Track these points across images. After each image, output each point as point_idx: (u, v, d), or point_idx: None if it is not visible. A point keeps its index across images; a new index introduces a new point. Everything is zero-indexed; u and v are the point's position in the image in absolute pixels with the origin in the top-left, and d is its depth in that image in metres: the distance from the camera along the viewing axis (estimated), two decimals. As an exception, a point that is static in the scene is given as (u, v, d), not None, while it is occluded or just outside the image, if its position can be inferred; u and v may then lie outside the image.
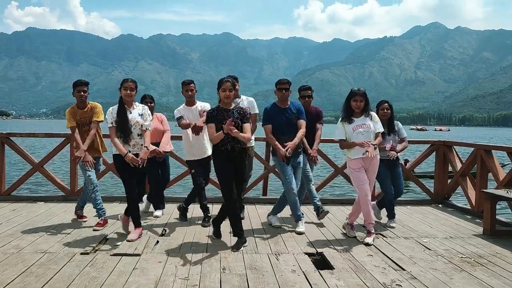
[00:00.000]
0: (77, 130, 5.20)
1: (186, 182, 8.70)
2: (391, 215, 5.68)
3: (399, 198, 5.96)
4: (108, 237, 4.81)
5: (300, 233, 5.12)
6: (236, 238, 4.63)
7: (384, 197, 5.71)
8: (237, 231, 4.60)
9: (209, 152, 5.45)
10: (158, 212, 5.92)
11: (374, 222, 5.01)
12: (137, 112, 4.83)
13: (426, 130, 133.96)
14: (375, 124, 4.86)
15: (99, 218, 5.26)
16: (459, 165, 6.82)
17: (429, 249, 4.65)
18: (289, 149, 4.95)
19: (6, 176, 6.89)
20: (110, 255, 4.18)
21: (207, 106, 5.51)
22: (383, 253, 4.48)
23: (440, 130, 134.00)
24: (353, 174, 4.88)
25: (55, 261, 3.94)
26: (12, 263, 3.87)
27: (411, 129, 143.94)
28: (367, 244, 4.72)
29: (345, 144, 4.85)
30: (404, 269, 3.97)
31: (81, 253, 4.19)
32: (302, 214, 5.36)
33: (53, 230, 5.07)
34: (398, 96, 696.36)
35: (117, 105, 4.77)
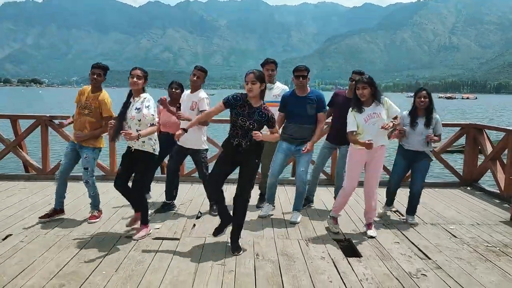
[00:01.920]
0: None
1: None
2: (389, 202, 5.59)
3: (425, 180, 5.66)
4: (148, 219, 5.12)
5: (262, 217, 5.31)
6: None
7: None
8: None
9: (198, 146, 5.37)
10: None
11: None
12: (135, 106, 4.41)
13: (455, 98, 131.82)
14: (388, 109, 4.58)
15: (96, 210, 5.18)
16: (489, 149, 6.82)
17: (455, 236, 4.79)
18: (307, 149, 5.05)
19: (50, 157, 7.34)
20: (152, 238, 4.50)
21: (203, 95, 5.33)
22: (409, 240, 4.64)
23: (468, 98, 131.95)
24: (350, 163, 4.73)
25: (103, 245, 4.28)
26: (64, 246, 4.23)
27: (439, 97, 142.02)
28: (370, 237, 4.69)
29: (353, 139, 4.59)
30: (429, 258, 4.14)
31: (125, 237, 4.53)
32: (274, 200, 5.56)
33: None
34: (431, 62, 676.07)
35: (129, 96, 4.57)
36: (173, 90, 5.65)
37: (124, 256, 4.01)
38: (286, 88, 5.69)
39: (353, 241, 4.58)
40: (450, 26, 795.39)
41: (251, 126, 4.08)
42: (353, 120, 4.58)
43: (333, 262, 3.99)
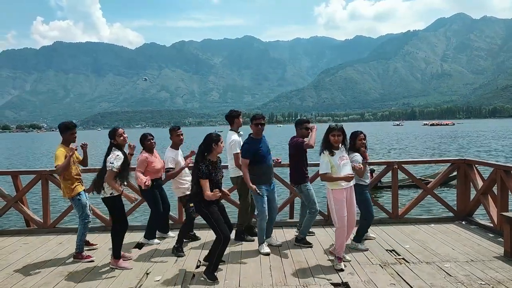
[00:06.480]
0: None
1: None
2: (360, 239, 5.99)
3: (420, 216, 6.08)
4: (148, 271, 5.21)
5: (266, 254, 5.72)
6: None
7: (367, 221, 5.98)
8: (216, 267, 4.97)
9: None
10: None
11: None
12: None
13: (440, 124, 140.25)
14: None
15: (79, 251, 5.77)
16: (480, 183, 6.98)
17: (450, 275, 4.87)
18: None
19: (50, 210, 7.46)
20: (153, 292, 4.59)
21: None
22: (405, 281, 4.71)
23: (447, 124, 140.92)
24: (337, 204, 5.12)
25: (105, 300, 4.37)
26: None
27: (424, 124, 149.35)
28: (341, 270, 5.05)
29: (328, 178, 5.05)
30: (424, 299, 4.23)
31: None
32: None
33: (98, 266, 5.51)
34: (425, 90, 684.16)
35: (120, 151, 5.31)
36: (151, 141, 6.35)
37: (125, 312, 4.09)
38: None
39: (350, 284, 4.66)
40: (441, 54, 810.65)
41: (221, 177, 5.04)
42: (328, 163, 5.06)
43: (330, 308, 4.07)
